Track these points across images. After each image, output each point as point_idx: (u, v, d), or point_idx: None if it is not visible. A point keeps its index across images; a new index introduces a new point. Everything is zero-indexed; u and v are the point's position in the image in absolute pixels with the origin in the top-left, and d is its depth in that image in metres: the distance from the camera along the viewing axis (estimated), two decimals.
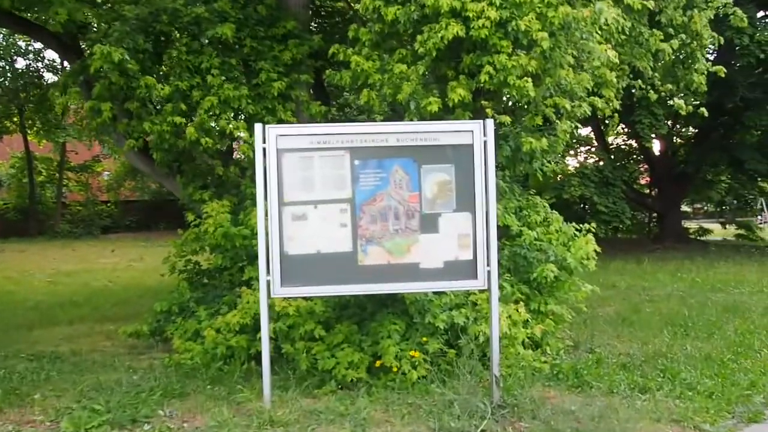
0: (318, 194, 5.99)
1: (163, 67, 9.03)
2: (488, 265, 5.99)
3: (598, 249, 8.36)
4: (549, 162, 8.51)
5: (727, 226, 28.73)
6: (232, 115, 8.40)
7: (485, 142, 5.95)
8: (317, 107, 8.92)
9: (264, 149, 5.84)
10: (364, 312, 7.11)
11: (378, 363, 6.62)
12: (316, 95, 9.78)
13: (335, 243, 6.01)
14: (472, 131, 6.00)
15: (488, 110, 7.34)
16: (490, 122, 6.01)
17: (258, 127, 5.88)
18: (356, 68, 7.64)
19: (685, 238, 23.69)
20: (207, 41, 8.44)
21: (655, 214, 26.24)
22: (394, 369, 6.51)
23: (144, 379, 6.84)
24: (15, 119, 31.53)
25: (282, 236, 5.90)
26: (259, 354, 6.46)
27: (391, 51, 7.81)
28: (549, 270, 7.72)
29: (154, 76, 8.85)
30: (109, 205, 35.94)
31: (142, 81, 8.06)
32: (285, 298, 6.74)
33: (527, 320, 7.47)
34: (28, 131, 32.19)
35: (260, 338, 6.23)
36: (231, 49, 8.75)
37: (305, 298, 6.99)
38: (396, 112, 8.27)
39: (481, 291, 6.89)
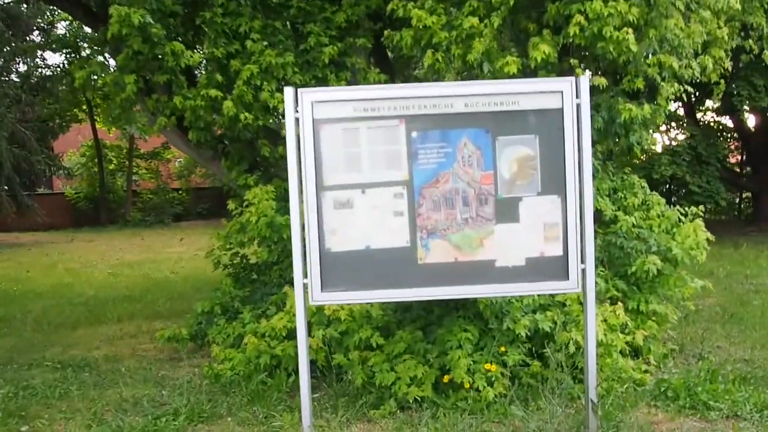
0: (366, 175, 4.77)
1: (197, 33, 7.94)
2: (582, 262, 4.73)
3: (711, 237, 7.00)
4: (648, 134, 7.15)
5: None
6: (276, 86, 7.23)
7: (578, 105, 4.66)
8: (375, 75, 7.69)
9: (297, 119, 4.68)
10: (429, 315, 5.97)
11: (446, 378, 5.47)
12: (378, 64, 8.59)
13: (389, 237, 4.79)
14: (561, 92, 4.68)
15: (578, 71, 6.05)
16: (584, 79, 4.70)
17: (288, 91, 4.67)
18: (418, 25, 6.43)
19: None
20: (246, 1, 7.31)
21: (747, 194, 24.26)
22: (466, 385, 5.35)
23: (172, 396, 5.86)
24: (84, 107, 31.33)
25: (322, 229, 4.74)
26: (311, 363, 5.40)
27: (459, 4, 6.55)
28: (651, 263, 6.43)
29: (195, 45, 7.84)
30: (180, 192, 35.55)
31: (168, 47, 6.98)
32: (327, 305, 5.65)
33: (626, 323, 6.20)
34: (97, 119, 31.98)
35: (311, 346, 5.21)
36: (274, 11, 7.56)
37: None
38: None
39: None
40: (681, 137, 20.11)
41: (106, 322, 10.05)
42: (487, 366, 5.40)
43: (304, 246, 4.72)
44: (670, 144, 19.15)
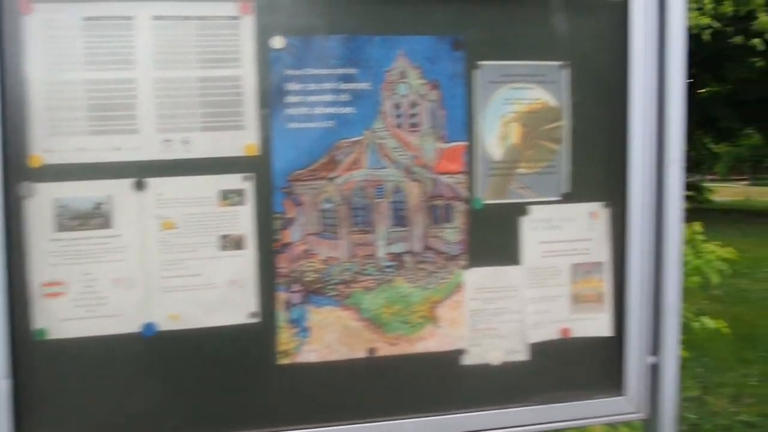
0: (147, 143, 1.74)
1: None
2: (654, 352, 2.02)
3: None
4: None
5: None
6: None
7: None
8: None
9: None
10: None
11: None
12: None
13: (203, 301, 1.78)
14: None
15: None
16: None
17: None
18: None
19: None
20: None
21: None
22: None
23: None
24: None
25: (22, 281, 1.69)
26: None
27: None
28: None
29: None
30: None
31: None
32: None
33: None
34: None
35: None
36: None
37: None
38: None
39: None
40: None
41: None
42: None
43: None
44: None
